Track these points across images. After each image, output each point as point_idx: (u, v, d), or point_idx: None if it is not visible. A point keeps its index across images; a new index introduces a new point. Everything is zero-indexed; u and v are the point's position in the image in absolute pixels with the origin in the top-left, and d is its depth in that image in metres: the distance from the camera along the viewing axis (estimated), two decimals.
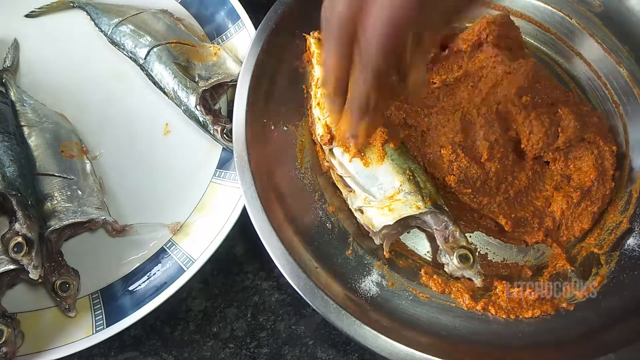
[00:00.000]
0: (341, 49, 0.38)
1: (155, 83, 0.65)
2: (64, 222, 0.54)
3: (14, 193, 0.53)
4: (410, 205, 0.50)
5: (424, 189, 0.51)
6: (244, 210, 0.51)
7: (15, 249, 0.50)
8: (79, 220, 0.55)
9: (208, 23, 0.70)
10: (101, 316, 0.53)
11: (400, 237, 0.54)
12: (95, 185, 0.60)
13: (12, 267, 0.50)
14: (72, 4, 0.73)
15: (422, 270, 0.51)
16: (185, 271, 0.54)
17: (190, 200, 0.60)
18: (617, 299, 0.48)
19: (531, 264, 0.53)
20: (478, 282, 0.49)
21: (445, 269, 0.51)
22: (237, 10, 0.67)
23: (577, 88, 0.62)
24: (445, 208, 0.50)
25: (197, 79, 0.63)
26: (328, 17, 0.37)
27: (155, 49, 0.65)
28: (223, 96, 0.66)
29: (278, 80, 0.58)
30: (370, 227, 0.51)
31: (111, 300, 0.54)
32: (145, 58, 0.65)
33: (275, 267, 0.47)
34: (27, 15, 0.72)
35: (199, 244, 0.56)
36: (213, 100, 0.64)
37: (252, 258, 0.61)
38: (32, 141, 0.60)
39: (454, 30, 0.61)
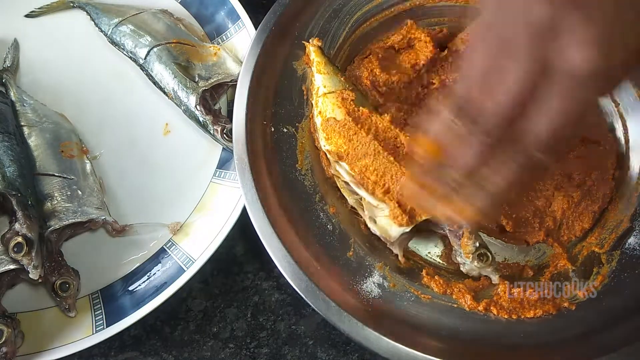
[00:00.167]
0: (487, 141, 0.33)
1: (155, 83, 0.65)
2: (64, 222, 0.54)
3: (14, 193, 0.53)
4: None
5: None
6: (244, 210, 0.51)
7: (15, 249, 0.50)
8: (79, 220, 0.55)
9: (208, 23, 0.70)
10: (101, 316, 0.53)
11: None
12: (95, 185, 0.60)
13: (12, 267, 0.50)
14: (72, 4, 0.72)
15: (424, 271, 0.51)
16: (185, 271, 0.54)
17: (190, 200, 0.60)
18: (619, 298, 0.48)
19: (532, 264, 0.53)
20: (495, 278, 0.49)
21: (461, 269, 0.50)
22: (237, 10, 0.67)
23: None
24: None
25: (197, 79, 0.63)
26: (482, 108, 0.33)
27: (155, 49, 0.65)
28: (223, 96, 0.66)
29: (278, 80, 0.58)
30: (388, 238, 0.50)
31: (111, 300, 0.54)
32: (145, 58, 0.65)
33: (275, 267, 0.47)
34: (27, 15, 0.72)
35: (199, 244, 0.56)
36: (213, 100, 0.64)
37: (252, 258, 0.61)
38: (32, 141, 0.60)
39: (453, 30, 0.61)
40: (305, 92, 0.58)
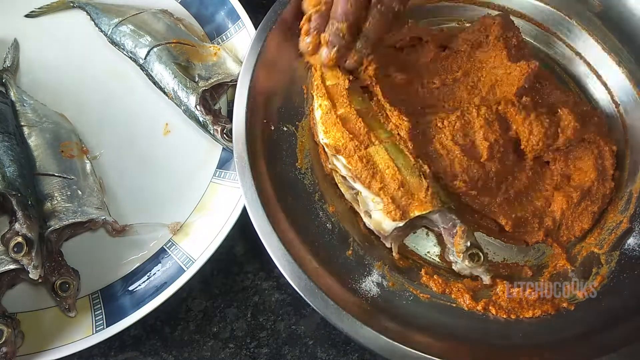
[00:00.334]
0: None
1: (155, 83, 0.65)
2: (64, 222, 0.54)
3: (14, 193, 0.53)
4: None
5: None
6: (244, 210, 0.51)
7: (15, 249, 0.50)
8: (79, 220, 0.55)
9: (208, 23, 0.70)
10: (101, 316, 0.53)
11: None
12: (95, 185, 0.60)
13: (12, 267, 0.50)
14: (72, 4, 0.72)
15: (423, 270, 0.51)
16: (185, 271, 0.54)
17: (190, 200, 0.60)
18: (618, 298, 0.48)
19: (531, 264, 0.53)
20: (487, 279, 0.49)
21: (453, 267, 0.51)
22: (237, 10, 0.67)
23: (577, 88, 0.62)
24: (452, 206, 0.50)
25: (197, 79, 0.63)
26: None
27: (155, 49, 0.65)
28: (223, 96, 0.66)
29: (278, 80, 0.58)
30: (381, 232, 0.51)
31: (111, 300, 0.54)
32: (145, 58, 0.65)
33: (275, 267, 0.47)
34: (27, 15, 0.72)
35: (199, 244, 0.56)
36: (213, 100, 0.64)
37: (252, 258, 0.61)
38: (32, 141, 0.60)
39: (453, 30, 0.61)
40: (305, 91, 0.59)
